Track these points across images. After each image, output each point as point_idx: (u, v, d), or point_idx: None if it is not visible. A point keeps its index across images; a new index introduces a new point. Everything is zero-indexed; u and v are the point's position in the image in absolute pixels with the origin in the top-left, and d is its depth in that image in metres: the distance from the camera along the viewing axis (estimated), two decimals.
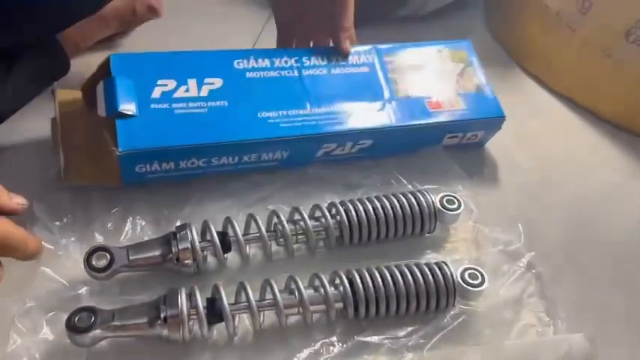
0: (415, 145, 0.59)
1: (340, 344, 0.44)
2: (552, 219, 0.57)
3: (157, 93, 0.52)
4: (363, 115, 0.57)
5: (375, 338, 0.45)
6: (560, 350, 0.44)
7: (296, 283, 0.45)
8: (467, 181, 0.58)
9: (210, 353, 0.44)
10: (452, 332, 0.46)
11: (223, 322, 0.43)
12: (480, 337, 0.46)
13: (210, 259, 0.49)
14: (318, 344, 0.44)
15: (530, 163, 0.63)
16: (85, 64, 0.58)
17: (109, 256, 0.45)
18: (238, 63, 0.57)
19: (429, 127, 0.58)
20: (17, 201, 0.43)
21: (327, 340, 0.45)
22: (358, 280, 0.46)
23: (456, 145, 0.61)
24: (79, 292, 0.46)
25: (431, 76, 0.61)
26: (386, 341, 0.44)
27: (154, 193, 0.54)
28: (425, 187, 0.56)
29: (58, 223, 0.50)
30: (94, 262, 0.45)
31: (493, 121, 0.60)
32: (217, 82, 0.55)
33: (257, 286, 0.45)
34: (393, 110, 0.57)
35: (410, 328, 0.45)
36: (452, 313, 0.47)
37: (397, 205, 0.51)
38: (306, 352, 0.44)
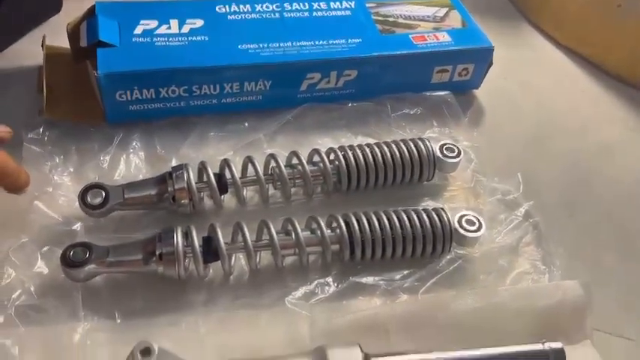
0: (404, 81, 0.59)
1: (335, 284, 0.44)
2: (552, 170, 0.57)
3: (138, 30, 0.54)
4: (346, 46, 0.56)
5: (370, 279, 0.45)
6: (554, 296, 0.44)
7: (292, 224, 0.45)
8: (467, 129, 0.57)
9: (206, 291, 0.44)
10: (447, 277, 0.45)
11: (219, 262, 0.43)
12: (475, 283, 0.46)
13: (207, 201, 0.49)
14: (314, 284, 0.44)
15: (532, 115, 0.63)
16: (78, 6, 0.56)
17: (104, 193, 0.45)
18: (220, 8, 0.58)
19: (415, 56, 0.57)
20: (3, 129, 0.44)
21: (323, 281, 0.45)
22: (355, 223, 0.45)
23: (447, 83, 0.60)
24: (74, 227, 0.45)
25: (415, 16, 0.61)
26: (381, 282, 0.44)
27: (149, 133, 0.53)
28: (424, 134, 0.56)
29: (49, 163, 0.49)
30: (88, 199, 0.45)
31: (481, 51, 0.60)
32: (199, 22, 0.56)
33: (253, 228, 0.45)
34: (378, 42, 0.58)
35: (406, 271, 0.45)
36: (447, 257, 0.46)
37: (396, 152, 0.51)
38: (301, 291, 0.44)
